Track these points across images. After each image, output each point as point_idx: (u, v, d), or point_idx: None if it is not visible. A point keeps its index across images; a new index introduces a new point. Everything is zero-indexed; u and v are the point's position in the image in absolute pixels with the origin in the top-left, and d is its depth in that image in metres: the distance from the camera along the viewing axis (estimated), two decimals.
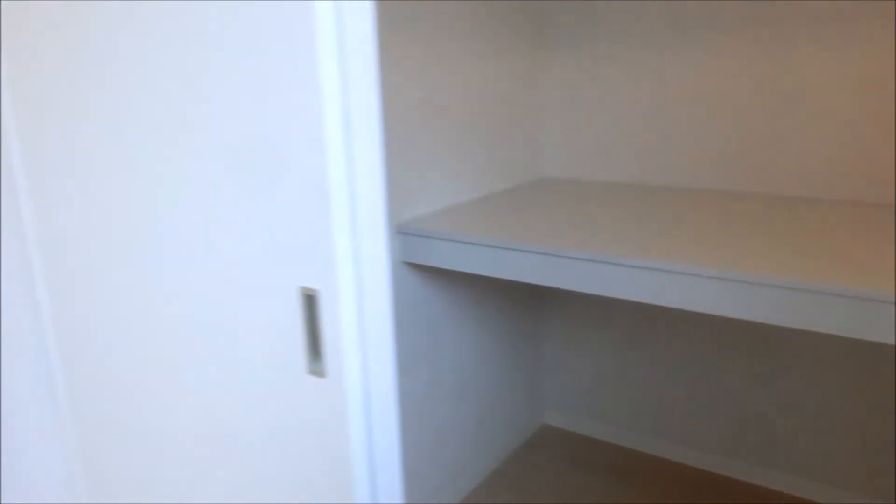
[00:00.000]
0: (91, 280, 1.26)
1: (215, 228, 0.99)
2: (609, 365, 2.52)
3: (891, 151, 1.87)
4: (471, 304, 2.22)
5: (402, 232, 1.82)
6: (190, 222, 1.02)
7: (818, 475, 2.19)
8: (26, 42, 1.19)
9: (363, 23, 0.85)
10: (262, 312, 0.97)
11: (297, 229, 0.89)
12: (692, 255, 1.47)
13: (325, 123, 0.82)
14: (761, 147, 2.05)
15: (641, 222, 1.75)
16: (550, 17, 2.32)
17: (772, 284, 1.33)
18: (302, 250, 0.89)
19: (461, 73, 2.02)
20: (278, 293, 0.94)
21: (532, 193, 2.19)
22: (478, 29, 2.07)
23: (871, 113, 1.88)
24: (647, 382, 2.45)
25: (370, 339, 0.93)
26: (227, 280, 1.00)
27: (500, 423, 2.47)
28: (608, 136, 2.30)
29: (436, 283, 2.05)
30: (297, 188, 0.87)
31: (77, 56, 1.11)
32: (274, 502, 1.07)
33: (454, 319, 2.15)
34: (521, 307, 2.49)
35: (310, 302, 0.91)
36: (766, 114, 2.01)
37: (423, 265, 1.96)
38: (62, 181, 1.24)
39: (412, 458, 2.07)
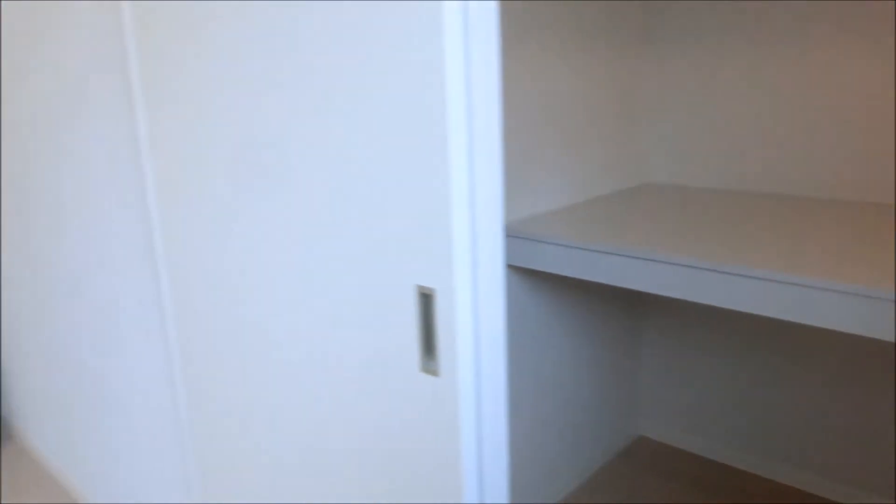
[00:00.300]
0: (209, 279, 1.31)
1: (334, 224, 1.01)
2: (709, 378, 2.43)
3: None
4: (569, 309, 2.19)
5: (507, 234, 1.82)
6: (308, 218, 1.05)
7: None
8: (159, 53, 1.25)
9: (488, 22, 0.85)
10: (377, 309, 0.99)
11: (415, 228, 0.90)
12: (805, 266, 1.40)
13: (449, 121, 0.83)
14: (885, 154, 1.93)
15: (750, 230, 1.68)
16: (660, 16, 2.26)
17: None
18: (420, 249, 0.90)
19: (567, 75, 2.00)
20: (394, 291, 0.95)
21: (637, 198, 2.14)
22: (585, 29, 2.04)
23: None
24: (748, 398, 2.35)
25: (484, 340, 0.93)
26: (344, 276, 1.02)
27: (595, 431, 2.42)
28: (716, 141, 2.23)
29: (535, 286, 2.03)
30: (417, 187, 0.88)
31: (202, 55, 1.16)
32: (381, 499, 1.08)
33: (552, 323, 2.13)
34: (621, 314, 2.44)
35: (426, 301, 0.92)
36: (890, 118, 1.90)
37: (523, 268, 1.95)
38: (184, 171, 1.30)
39: None
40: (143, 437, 1.83)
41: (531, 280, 2.01)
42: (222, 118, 1.17)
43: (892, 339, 1.28)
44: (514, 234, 1.80)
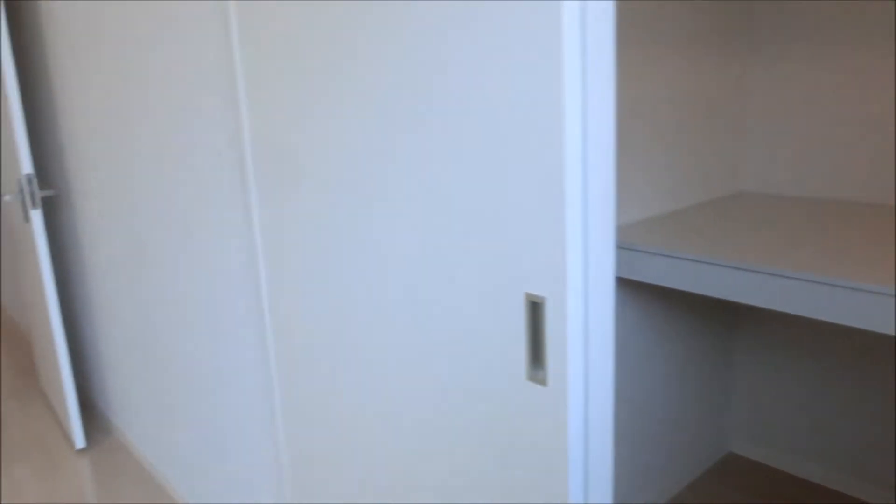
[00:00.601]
0: (310, 281, 1.34)
1: (443, 229, 1.01)
2: (803, 394, 2.33)
3: None
4: (662, 320, 2.14)
5: None
6: (416, 222, 1.05)
7: None
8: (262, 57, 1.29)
9: (605, 24, 0.84)
10: (483, 316, 0.98)
11: (527, 236, 0.89)
12: None
13: (566, 126, 0.81)
14: None
15: (851, 241, 1.61)
16: (759, 22, 2.19)
17: None
18: (531, 257, 0.89)
19: (664, 79, 1.96)
20: (502, 298, 0.95)
21: (732, 208, 2.08)
22: (684, 32, 2.00)
23: None
24: (847, 416, 2.24)
25: (593, 350, 0.91)
26: (452, 282, 1.02)
27: (684, 446, 2.35)
28: (811, 149, 2.14)
29: (627, 296, 1.99)
30: (530, 193, 0.87)
31: (307, 61, 1.18)
32: (486, 500, 1.07)
33: (642, 333, 2.08)
34: (713, 326, 2.37)
35: (534, 309, 0.91)
36: None
37: (616, 277, 1.92)
38: (287, 173, 1.32)
39: None
40: (235, 437, 1.88)
41: (622, 290, 1.97)
42: (326, 124, 1.19)
43: None
44: None
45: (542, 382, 0.92)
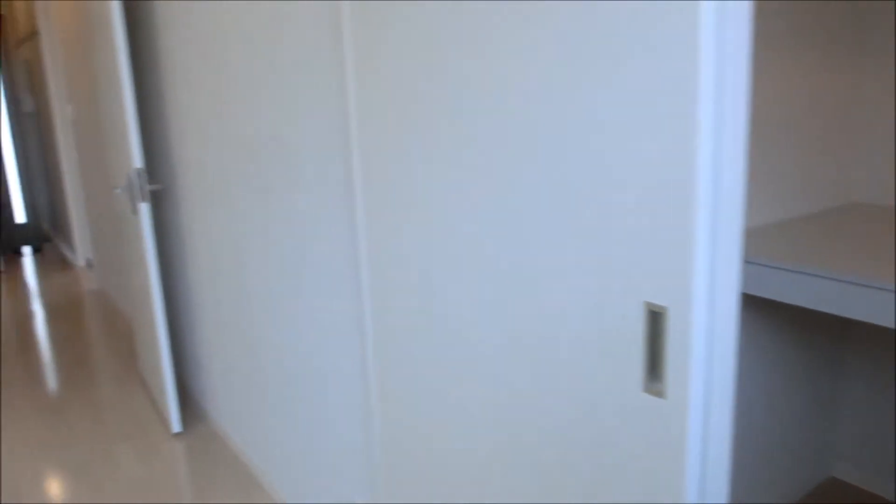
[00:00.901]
0: (415, 284, 1.34)
1: (561, 232, 0.99)
2: None
3: None
4: (764, 334, 2.05)
5: None
6: (534, 228, 1.04)
7: None
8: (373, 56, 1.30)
9: (741, 25, 0.81)
10: (599, 325, 0.96)
11: (651, 242, 0.86)
12: None
13: (699, 127, 0.79)
14: None
15: None
16: (875, 26, 2.08)
17: None
18: (653, 264, 0.86)
19: (772, 84, 1.88)
20: (619, 307, 0.92)
21: (844, 218, 1.97)
22: (793, 37, 1.91)
23: None
24: None
25: (716, 363, 0.88)
26: (567, 290, 1.00)
27: (783, 468, 2.25)
28: None
29: None
30: (655, 200, 0.84)
31: (421, 60, 1.18)
32: None
33: (745, 348, 2.00)
34: (821, 344, 2.26)
35: (654, 318, 0.88)
36: None
37: None
38: (395, 186, 1.33)
39: None
40: (329, 435, 1.91)
41: None
42: (444, 128, 1.19)
43: None
44: None
45: (661, 395, 0.89)
